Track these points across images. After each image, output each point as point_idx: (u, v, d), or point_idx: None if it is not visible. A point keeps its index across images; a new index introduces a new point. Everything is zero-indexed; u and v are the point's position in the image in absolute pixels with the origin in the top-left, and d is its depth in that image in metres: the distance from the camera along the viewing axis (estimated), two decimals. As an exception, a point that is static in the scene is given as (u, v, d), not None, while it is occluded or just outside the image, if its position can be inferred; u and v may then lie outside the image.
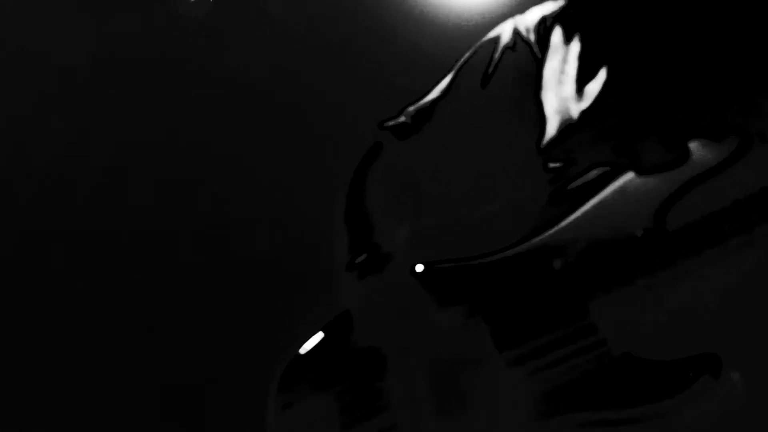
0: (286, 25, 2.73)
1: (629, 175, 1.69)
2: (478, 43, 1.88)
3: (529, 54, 1.82)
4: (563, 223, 1.73)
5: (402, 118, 1.90)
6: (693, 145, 1.64)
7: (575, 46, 1.78)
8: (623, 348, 1.61)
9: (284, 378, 1.86)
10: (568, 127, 1.76)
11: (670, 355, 1.57)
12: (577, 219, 1.73)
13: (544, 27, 1.82)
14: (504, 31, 1.86)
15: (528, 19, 1.84)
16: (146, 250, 2.65)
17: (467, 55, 1.89)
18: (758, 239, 1.56)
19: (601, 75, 1.74)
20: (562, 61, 1.79)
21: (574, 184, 1.74)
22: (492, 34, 1.87)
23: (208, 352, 2.56)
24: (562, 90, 1.78)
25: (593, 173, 1.72)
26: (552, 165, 1.76)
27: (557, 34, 1.80)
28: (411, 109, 1.91)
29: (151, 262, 2.63)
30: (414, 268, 1.80)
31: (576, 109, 1.76)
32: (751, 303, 1.57)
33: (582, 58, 1.77)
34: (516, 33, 1.84)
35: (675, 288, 1.59)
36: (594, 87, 1.75)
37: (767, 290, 1.57)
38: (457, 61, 1.89)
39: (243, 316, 2.58)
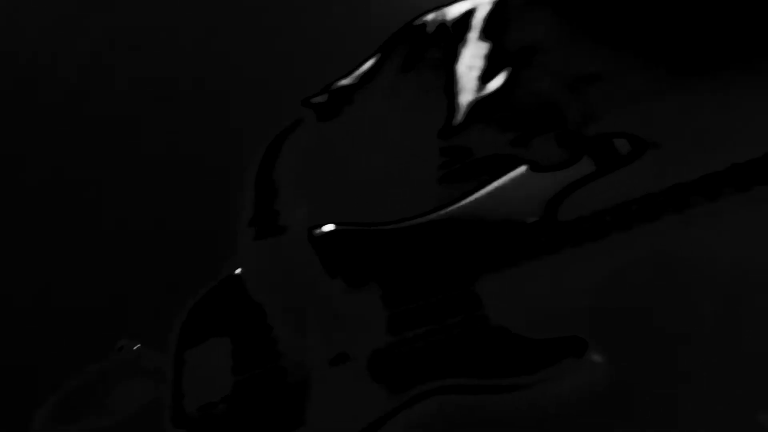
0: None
1: (524, 168, 1.82)
2: (402, 29, 1.97)
3: (448, 45, 1.94)
4: (458, 204, 1.86)
5: (324, 97, 1.98)
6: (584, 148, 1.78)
7: (489, 43, 1.90)
8: (500, 321, 1.74)
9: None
10: (470, 116, 1.87)
11: (543, 334, 1.71)
12: (472, 201, 1.85)
13: (465, 21, 1.94)
14: (428, 21, 1.96)
15: (451, 12, 1.96)
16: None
17: (391, 39, 1.98)
18: (637, 239, 1.71)
19: (508, 73, 1.86)
20: (475, 56, 1.91)
21: (470, 169, 1.86)
22: (416, 22, 1.97)
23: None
24: (472, 83, 1.90)
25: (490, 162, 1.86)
26: (448, 150, 1.88)
27: (476, 30, 1.92)
28: (334, 88, 1.98)
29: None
30: (312, 231, 1.90)
31: (481, 101, 1.88)
32: (623, 297, 1.72)
33: (493, 55, 1.89)
34: (438, 24, 1.96)
35: (557, 273, 1.73)
36: (497, 83, 1.87)
37: (638, 287, 1.73)
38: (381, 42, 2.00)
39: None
